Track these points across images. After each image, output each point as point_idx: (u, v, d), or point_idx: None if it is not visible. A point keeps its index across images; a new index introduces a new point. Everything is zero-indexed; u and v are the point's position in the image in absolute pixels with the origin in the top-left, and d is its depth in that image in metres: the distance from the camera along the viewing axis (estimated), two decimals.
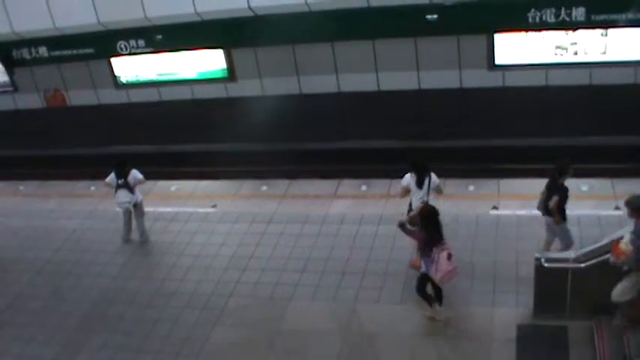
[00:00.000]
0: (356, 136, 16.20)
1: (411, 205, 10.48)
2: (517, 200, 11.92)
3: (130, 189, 12.42)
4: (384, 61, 15.13)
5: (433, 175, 10.38)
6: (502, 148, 14.87)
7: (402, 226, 9.24)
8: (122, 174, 12.38)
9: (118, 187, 12.41)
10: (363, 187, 13.30)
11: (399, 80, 15.15)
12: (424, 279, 9.35)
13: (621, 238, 8.04)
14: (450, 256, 8.84)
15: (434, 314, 9.60)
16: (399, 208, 12.03)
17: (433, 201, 10.11)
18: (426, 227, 8.90)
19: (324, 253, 11.56)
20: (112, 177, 12.43)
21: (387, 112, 15.67)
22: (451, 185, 12.59)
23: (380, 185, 13.28)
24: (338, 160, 15.74)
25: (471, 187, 12.66)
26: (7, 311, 11.85)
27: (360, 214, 12.40)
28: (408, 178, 10.45)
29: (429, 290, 9.51)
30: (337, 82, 15.65)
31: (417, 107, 15.43)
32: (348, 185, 13.58)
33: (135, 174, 12.41)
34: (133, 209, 12.64)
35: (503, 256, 10.64)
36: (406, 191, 10.52)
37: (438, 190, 10.48)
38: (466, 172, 13.43)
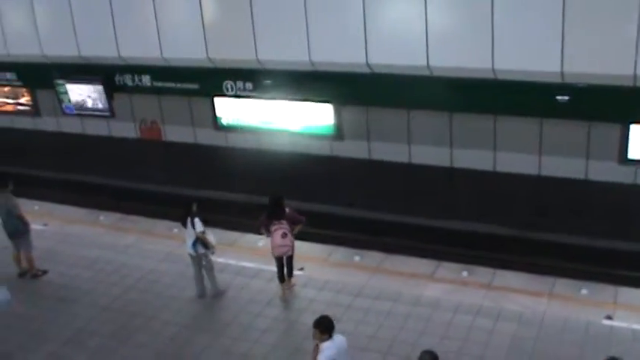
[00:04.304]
0: (463, 216, 16.37)
1: None
2: (636, 313, 11.83)
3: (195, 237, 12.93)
4: (504, 140, 15.28)
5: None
6: (625, 252, 14.74)
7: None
8: (185, 219, 12.96)
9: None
10: (464, 273, 13.41)
11: (519, 163, 15.24)
12: None
13: None
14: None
15: None
16: (499, 302, 12.21)
17: None
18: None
19: (411, 337, 11.67)
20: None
21: (501, 195, 15.78)
22: (561, 285, 12.70)
23: (483, 274, 13.38)
24: (440, 239, 15.91)
25: (584, 291, 12.59)
26: (66, 346, 12.48)
27: (457, 301, 12.49)
28: None
29: None
30: (450, 156, 15.89)
31: (535, 194, 15.48)
32: (447, 268, 13.73)
33: (195, 223, 12.85)
34: (199, 260, 13.14)
35: None
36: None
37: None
38: (580, 273, 13.42)
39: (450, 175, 16.10)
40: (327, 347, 8.94)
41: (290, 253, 12.97)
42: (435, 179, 16.35)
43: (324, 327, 9.03)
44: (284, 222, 12.68)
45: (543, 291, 12.63)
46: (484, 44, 13.68)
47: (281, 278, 13.24)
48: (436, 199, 16.65)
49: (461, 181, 16.07)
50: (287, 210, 12.81)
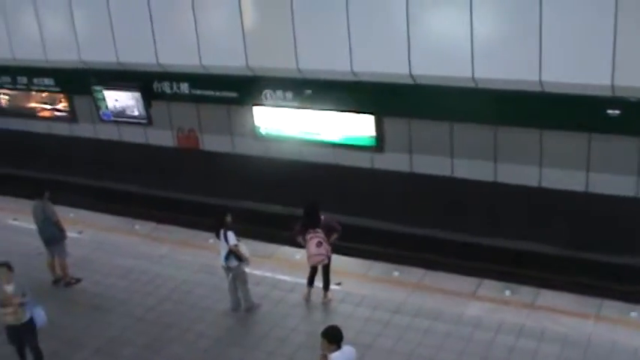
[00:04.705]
0: (508, 234, 16.22)
1: None
2: None
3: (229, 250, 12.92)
4: (550, 156, 15.15)
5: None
6: None
7: None
8: (218, 230, 12.96)
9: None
10: (507, 292, 13.26)
11: (566, 179, 15.09)
12: None
13: None
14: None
15: None
16: (543, 322, 12.05)
17: None
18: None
19: (451, 357, 11.58)
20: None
21: (546, 212, 15.64)
22: (609, 307, 12.53)
23: (526, 293, 13.21)
24: (483, 256, 15.81)
25: (634, 314, 12.36)
26: (97, 354, 12.62)
27: (499, 320, 12.35)
28: None
29: None
30: (494, 171, 15.79)
31: (582, 212, 15.29)
32: (489, 287, 13.58)
33: (229, 236, 12.81)
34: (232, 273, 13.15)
35: None
36: None
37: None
38: (629, 296, 13.23)
39: (494, 190, 15.98)
40: (336, 357, 8.89)
41: (326, 261, 12.97)
42: (478, 194, 16.25)
43: (332, 337, 8.97)
44: (319, 230, 12.72)
45: (589, 312, 12.44)
46: (531, 56, 13.58)
47: (310, 282, 13.34)
48: (479, 214, 16.54)
49: (505, 196, 15.94)
50: (322, 217, 12.80)
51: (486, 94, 14.60)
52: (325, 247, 12.77)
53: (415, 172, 16.76)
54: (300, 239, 13.01)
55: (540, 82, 13.69)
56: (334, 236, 12.96)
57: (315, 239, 12.70)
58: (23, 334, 11.54)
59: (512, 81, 14.01)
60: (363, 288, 13.79)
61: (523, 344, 11.69)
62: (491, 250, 16.18)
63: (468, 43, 14.15)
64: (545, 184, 15.38)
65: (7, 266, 11.18)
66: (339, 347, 8.94)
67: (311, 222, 12.77)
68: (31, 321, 11.38)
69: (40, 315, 11.42)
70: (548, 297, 13.06)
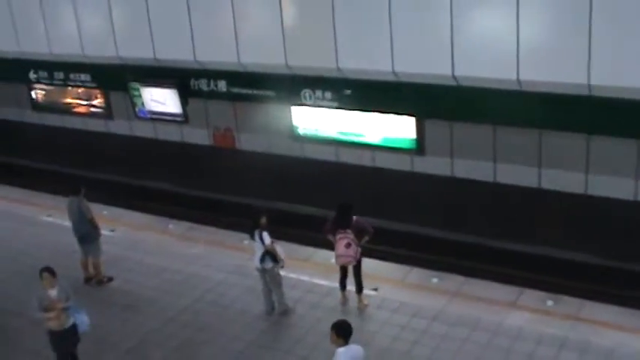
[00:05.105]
0: (550, 241, 16.03)
1: None
2: None
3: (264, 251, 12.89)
4: (598, 163, 14.93)
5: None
6: None
7: None
8: (252, 231, 12.95)
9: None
10: (549, 303, 13.06)
11: (614, 186, 14.87)
12: None
13: None
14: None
15: None
16: (587, 335, 11.87)
17: None
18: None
19: None
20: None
21: (593, 221, 15.41)
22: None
23: (569, 304, 13.00)
24: (524, 265, 15.65)
25: None
26: (128, 355, 12.67)
27: (541, 332, 12.17)
28: None
29: None
30: (539, 177, 15.63)
31: (630, 221, 15.04)
32: (531, 296, 13.39)
33: (264, 236, 12.77)
34: (266, 275, 13.13)
35: None
36: None
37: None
38: None
39: (538, 196, 15.81)
40: (341, 353, 8.95)
41: (353, 263, 12.94)
42: (522, 200, 16.10)
43: (340, 330, 9.03)
44: (350, 231, 12.67)
45: (638, 327, 12.22)
46: (580, 58, 13.44)
47: (342, 286, 13.35)
48: (521, 221, 16.37)
49: (549, 203, 15.77)
50: (354, 219, 12.78)
51: (531, 97, 14.48)
52: (354, 249, 12.71)
53: (456, 177, 16.65)
54: (330, 237, 13.00)
55: (589, 86, 13.52)
56: (365, 238, 12.90)
57: (344, 240, 12.68)
58: (66, 340, 11.42)
59: (559, 84, 13.87)
60: (401, 294, 13.70)
61: (565, 357, 11.51)
62: (534, 258, 16.00)
63: (514, 44, 14.05)
64: (591, 191, 15.18)
65: (50, 271, 11.10)
66: (346, 342, 8.99)
67: (342, 222, 12.76)
68: (74, 327, 11.32)
69: (83, 321, 11.33)
70: (593, 309, 12.84)
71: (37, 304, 11.01)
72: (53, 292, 11.03)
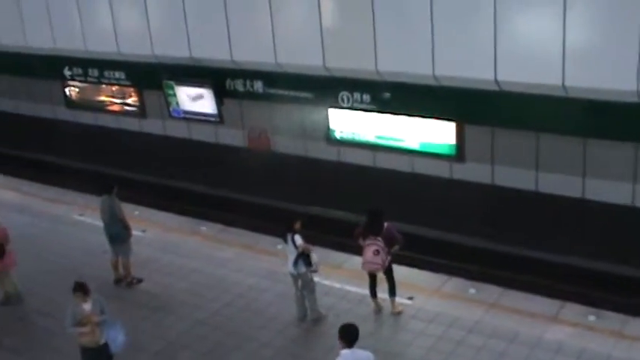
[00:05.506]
0: (594, 254, 15.79)
1: None
2: None
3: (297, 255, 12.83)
4: None
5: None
6: None
7: None
8: (285, 235, 12.90)
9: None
10: (591, 317, 12.84)
11: None
12: None
13: None
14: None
15: None
16: (632, 353, 11.65)
17: None
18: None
19: None
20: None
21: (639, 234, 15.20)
22: None
23: (613, 319, 12.76)
24: (566, 277, 15.42)
25: None
26: (156, 358, 12.71)
27: (582, 348, 11.96)
28: None
29: None
30: (582, 187, 15.43)
31: None
32: (572, 310, 13.18)
33: (296, 239, 12.74)
34: (299, 280, 13.09)
35: None
36: None
37: None
38: None
39: (581, 207, 15.61)
40: (343, 356, 8.99)
41: (380, 271, 12.87)
42: (564, 211, 15.91)
43: (342, 333, 9.13)
44: (379, 239, 12.59)
45: None
46: (629, 64, 13.21)
47: (372, 293, 13.30)
48: (564, 232, 16.16)
49: (593, 214, 15.55)
50: (385, 225, 12.69)
51: (577, 104, 14.28)
52: (382, 257, 12.61)
53: (496, 185, 16.49)
54: (360, 242, 12.92)
55: (638, 93, 13.29)
56: (395, 247, 12.82)
57: (372, 247, 12.61)
58: (99, 358, 11.24)
59: (607, 91, 13.65)
60: (437, 304, 13.57)
61: None
62: (575, 270, 15.78)
63: (560, 48, 13.85)
64: (639, 203, 14.94)
65: (83, 288, 10.97)
66: (349, 346, 9.04)
67: (372, 228, 12.68)
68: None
69: (117, 338, 11.14)
70: (638, 326, 12.57)
71: (71, 319, 10.96)
72: (87, 306, 10.97)
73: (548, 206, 16.02)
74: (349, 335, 9.07)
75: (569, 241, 16.12)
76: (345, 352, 8.99)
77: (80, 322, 10.93)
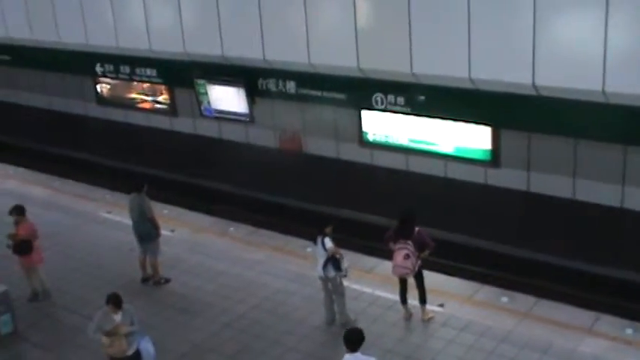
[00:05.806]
0: (632, 265, 15.55)
1: None
2: None
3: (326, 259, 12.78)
4: None
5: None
6: None
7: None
8: (316, 238, 12.86)
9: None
10: (628, 331, 12.60)
11: None
12: None
13: None
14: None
15: None
16: None
17: None
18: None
19: None
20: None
21: None
22: None
23: None
24: (603, 288, 15.25)
25: None
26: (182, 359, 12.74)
27: None
28: None
29: None
30: (621, 196, 15.23)
31: None
32: (608, 323, 12.96)
33: (326, 242, 12.70)
34: (328, 284, 13.02)
35: None
36: None
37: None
38: None
39: (620, 216, 15.40)
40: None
41: (410, 275, 12.81)
42: (602, 220, 15.70)
43: (347, 337, 9.33)
44: (410, 243, 12.52)
45: None
46: None
47: (402, 299, 13.21)
48: (601, 242, 15.95)
49: (632, 224, 15.33)
50: (417, 230, 12.62)
51: (618, 111, 14.08)
52: (412, 262, 12.55)
53: (532, 192, 16.33)
54: (391, 245, 12.86)
55: None
56: (426, 252, 12.75)
57: (403, 251, 12.54)
58: None
59: None
60: (468, 312, 13.44)
61: None
62: (612, 281, 15.59)
63: (601, 53, 13.66)
64: None
65: (116, 301, 10.98)
66: (352, 350, 9.21)
67: (403, 232, 12.62)
68: (138, 354, 11.24)
69: (148, 349, 11.27)
70: None
71: (96, 326, 11.00)
72: (117, 317, 10.99)
73: (584, 214, 15.82)
74: (351, 340, 9.23)
75: (605, 251, 15.93)
76: (347, 357, 9.14)
77: (109, 332, 10.93)
